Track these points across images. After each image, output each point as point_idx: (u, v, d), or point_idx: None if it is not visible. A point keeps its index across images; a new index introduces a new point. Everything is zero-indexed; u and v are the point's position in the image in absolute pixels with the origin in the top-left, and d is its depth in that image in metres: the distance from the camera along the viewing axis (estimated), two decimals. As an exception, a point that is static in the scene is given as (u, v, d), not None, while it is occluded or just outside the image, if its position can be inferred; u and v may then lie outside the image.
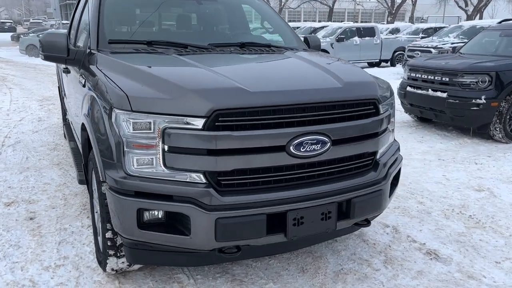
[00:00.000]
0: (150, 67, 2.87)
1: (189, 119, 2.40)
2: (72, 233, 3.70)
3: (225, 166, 2.44)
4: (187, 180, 2.45)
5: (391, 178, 3.01)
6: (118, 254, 2.85)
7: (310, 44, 4.46)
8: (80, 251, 3.40)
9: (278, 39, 4.36)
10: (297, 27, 24.17)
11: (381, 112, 2.90)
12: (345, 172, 2.79)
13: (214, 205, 2.44)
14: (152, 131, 2.42)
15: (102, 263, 2.98)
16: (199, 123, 2.39)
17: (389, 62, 19.41)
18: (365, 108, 2.80)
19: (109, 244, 2.81)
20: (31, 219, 3.98)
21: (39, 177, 5.07)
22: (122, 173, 2.49)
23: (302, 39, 4.42)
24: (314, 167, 2.66)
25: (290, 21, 42.46)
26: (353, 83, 2.87)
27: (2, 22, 47.87)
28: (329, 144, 2.61)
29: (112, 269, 2.95)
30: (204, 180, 2.45)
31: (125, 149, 2.46)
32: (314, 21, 51.00)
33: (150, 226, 2.53)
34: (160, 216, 2.57)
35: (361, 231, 3.79)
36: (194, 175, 2.45)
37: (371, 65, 19.48)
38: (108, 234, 2.77)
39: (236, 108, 2.43)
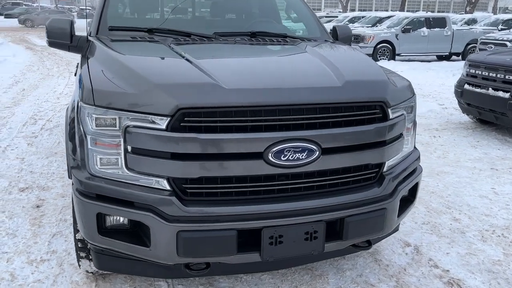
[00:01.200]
0: (129, 57, 2.62)
1: (154, 118, 2.13)
2: (70, 225, 3.59)
3: (191, 173, 2.15)
4: (151, 186, 2.19)
5: (400, 195, 2.56)
6: (90, 257, 2.66)
7: (339, 35, 4.03)
8: (70, 246, 3.27)
9: (302, 28, 3.97)
10: (362, 17, 23.13)
11: (391, 117, 2.46)
12: (339, 186, 2.39)
13: (176, 216, 2.16)
14: (116, 128, 2.18)
15: (78, 264, 2.82)
16: (163, 122, 2.11)
17: (460, 56, 18.01)
18: (368, 112, 2.38)
19: (79, 246, 2.63)
20: (37, 207, 3.95)
21: (62, 163, 5.07)
22: (86, 173, 2.27)
23: (332, 29, 4.00)
24: (299, 179, 2.29)
25: (359, 9, 40.96)
26: (356, 82, 2.45)
27: (82, 8, 50.52)
28: (317, 153, 2.23)
29: (87, 271, 2.78)
30: (167, 187, 2.18)
31: (89, 147, 2.24)
32: (387, 10, 48.89)
33: (111, 232, 2.31)
34: (125, 222, 2.34)
35: (376, 248, 3.35)
36: (157, 180, 2.18)
37: (440, 58, 18.20)
38: (78, 236, 2.59)
39: (205, 107, 2.12)
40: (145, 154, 2.16)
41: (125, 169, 2.20)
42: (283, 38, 3.42)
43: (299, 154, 2.20)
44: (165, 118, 2.10)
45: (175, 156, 2.13)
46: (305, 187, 2.32)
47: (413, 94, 2.77)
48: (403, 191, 2.61)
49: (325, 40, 3.67)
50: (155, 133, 2.11)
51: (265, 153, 2.16)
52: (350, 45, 4.04)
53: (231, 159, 2.15)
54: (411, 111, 2.73)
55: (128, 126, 2.15)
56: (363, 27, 19.90)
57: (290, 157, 2.19)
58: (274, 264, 2.55)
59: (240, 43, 3.18)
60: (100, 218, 2.27)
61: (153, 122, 2.13)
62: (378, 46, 17.10)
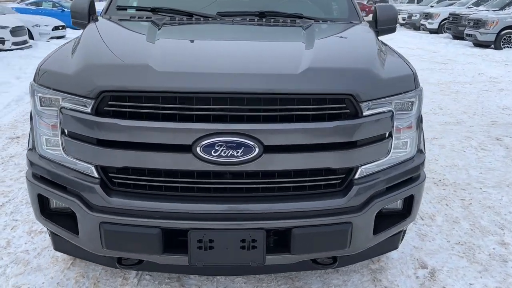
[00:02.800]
0: (94, 38, 2.52)
1: (83, 100, 2.01)
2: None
3: (114, 162, 2.00)
4: (83, 172, 2.09)
5: (376, 208, 2.12)
6: (56, 236, 2.67)
7: (379, 16, 3.49)
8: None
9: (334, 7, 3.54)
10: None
11: (365, 113, 2.03)
12: (289, 190, 2.05)
13: (100, 206, 2.03)
14: (55, 109, 2.12)
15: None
16: (88, 105, 1.99)
17: None
18: (330, 107, 1.98)
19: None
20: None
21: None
22: (36, 154, 2.26)
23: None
24: (237, 179, 2.01)
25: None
26: (319, 70, 2.05)
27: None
28: (257, 150, 1.92)
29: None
30: (96, 175, 2.06)
31: (36, 126, 2.22)
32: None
33: (54, 215, 2.27)
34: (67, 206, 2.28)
35: (383, 265, 2.88)
36: (88, 167, 2.07)
37: None
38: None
39: (129, 90, 1.94)
40: (76, 138, 2.06)
41: (63, 152, 2.12)
42: (295, 18, 3.05)
43: (233, 151, 1.91)
44: (90, 101, 1.97)
45: (100, 143, 1.99)
46: (246, 188, 2.02)
47: (416, 87, 2.26)
48: (383, 204, 2.16)
49: (350, 22, 3.21)
50: (81, 116, 2.00)
51: (194, 146, 1.91)
52: (394, 28, 3.53)
53: (156, 150, 1.95)
54: (411, 108, 2.24)
55: (62, 108, 2.06)
56: (488, 10, 17.73)
57: (222, 153, 1.91)
58: (217, 270, 2.31)
59: (237, 24, 2.90)
60: (41, 199, 2.24)
61: (84, 105, 2.01)
62: (502, 33, 15.13)
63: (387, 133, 2.16)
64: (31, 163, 2.25)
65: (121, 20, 2.97)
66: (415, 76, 2.28)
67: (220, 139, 1.90)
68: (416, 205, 2.35)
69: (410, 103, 2.23)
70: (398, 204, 2.36)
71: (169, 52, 2.17)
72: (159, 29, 2.58)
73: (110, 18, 3.09)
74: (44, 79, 2.15)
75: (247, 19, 2.97)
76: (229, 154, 1.91)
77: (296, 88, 1.95)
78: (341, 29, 2.98)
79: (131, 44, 2.34)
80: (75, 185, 2.07)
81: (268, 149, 1.94)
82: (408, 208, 2.34)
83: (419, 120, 2.33)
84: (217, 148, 1.90)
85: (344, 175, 2.08)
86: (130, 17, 3.05)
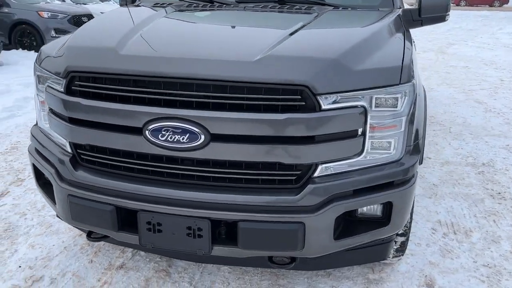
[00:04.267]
0: (100, 22, 2.66)
1: (59, 79, 2.15)
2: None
3: (78, 139, 2.11)
4: (61, 146, 2.24)
5: (336, 212, 1.95)
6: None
7: (423, 2, 3.15)
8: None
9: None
10: None
11: (324, 107, 1.86)
12: (240, 182, 1.97)
13: (68, 179, 2.16)
14: (44, 86, 2.30)
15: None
16: (62, 84, 2.12)
17: None
18: (283, 98, 1.86)
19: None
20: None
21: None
22: (38, 128, 2.48)
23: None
24: (189, 165, 1.98)
25: None
26: (277, 58, 1.92)
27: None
28: (203, 138, 1.88)
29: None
30: (69, 149, 2.20)
31: (37, 102, 2.44)
32: None
33: (46, 184, 2.47)
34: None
35: (383, 275, 2.64)
36: (64, 141, 2.22)
37: None
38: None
39: (92, 71, 2.02)
40: (55, 114, 2.21)
41: (49, 126, 2.30)
42: (314, 5, 2.89)
43: (179, 136, 1.89)
44: (63, 80, 2.10)
45: (70, 120, 2.12)
46: (193, 176, 2.00)
47: (403, 81, 2.00)
48: (346, 207, 1.97)
49: (378, 9, 2.94)
50: (56, 94, 2.14)
51: (144, 129, 1.94)
52: (444, 17, 3.18)
53: (112, 130, 2.01)
54: (395, 104, 2.00)
55: (47, 86, 2.23)
56: None
57: (169, 138, 1.91)
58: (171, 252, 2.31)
59: (247, 10, 2.82)
60: (36, 169, 2.45)
61: (59, 84, 2.15)
62: None
63: (359, 131, 1.95)
64: (32, 136, 2.47)
65: (154, 5, 3.04)
66: (403, 69, 2.02)
67: (166, 124, 1.89)
68: (397, 213, 2.10)
69: (393, 99, 1.99)
70: (376, 210, 2.14)
71: (144, 36, 2.21)
72: (166, 15, 2.64)
73: (140, 3, 3.23)
74: (40, 59, 2.34)
75: (264, 6, 2.88)
76: (175, 140, 1.90)
77: (247, 76, 1.85)
78: (352, 16, 2.75)
79: (119, 29, 2.42)
80: (53, 158, 2.24)
81: (216, 138, 1.89)
82: (388, 215, 2.10)
83: (412, 118, 2.08)
84: (163, 132, 1.90)
85: (300, 172, 1.94)
86: (155, 3, 3.15)
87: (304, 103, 1.85)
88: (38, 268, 2.73)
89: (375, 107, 1.99)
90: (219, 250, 2.02)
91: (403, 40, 2.41)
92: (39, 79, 2.34)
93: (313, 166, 1.94)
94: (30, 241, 3.00)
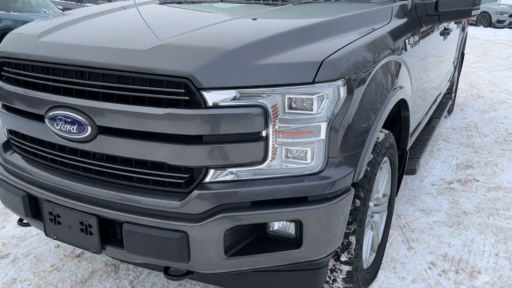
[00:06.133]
0: (76, 12, 2.69)
1: None
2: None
3: (5, 123, 2.15)
4: (4, 129, 2.31)
5: (226, 225, 1.71)
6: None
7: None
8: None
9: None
10: None
11: (211, 104, 1.64)
12: (130, 180, 1.82)
13: (0, 162, 2.22)
14: None
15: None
16: None
17: None
18: (168, 91, 1.67)
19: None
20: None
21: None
22: None
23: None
24: (84, 158, 1.89)
25: None
26: (166, 48, 1.74)
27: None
28: (90, 129, 1.78)
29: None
30: (6, 133, 2.26)
31: None
32: None
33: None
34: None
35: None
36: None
37: None
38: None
39: (12, 57, 2.04)
40: (-1, 98, 2.28)
41: None
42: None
43: (69, 126, 1.82)
44: None
45: (1, 105, 2.17)
46: (88, 169, 1.90)
47: (326, 80, 1.69)
48: (237, 221, 1.71)
49: (371, 1, 2.57)
50: (-5, 78, 2.20)
51: (45, 117, 1.90)
52: (470, 12, 2.71)
53: (23, 116, 2.01)
54: (310, 107, 1.69)
55: None
56: None
57: (62, 127, 1.84)
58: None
59: (223, 2, 2.65)
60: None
61: None
62: None
63: (261, 134, 1.69)
64: None
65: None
66: (323, 65, 1.69)
67: (59, 112, 1.83)
68: (311, 235, 1.77)
69: (307, 100, 1.69)
70: (289, 229, 1.84)
71: (70, 27, 2.17)
72: (122, 8, 2.60)
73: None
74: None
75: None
76: (67, 130, 1.82)
77: (133, 66, 1.70)
78: (324, 8, 2.42)
79: (60, 20, 2.39)
80: None
81: (103, 130, 1.77)
82: (300, 235, 1.79)
83: (336, 125, 1.74)
84: (58, 121, 1.84)
85: (188, 175, 1.73)
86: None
87: (187, 98, 1.65)
88: (9, 246, 2.86)
89: (289, 108, 1.71)
90: (110, 251, 1.90)
91: (366, 35, 2.06)
92: None
93: (203, 170, 1.72)
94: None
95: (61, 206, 1.93)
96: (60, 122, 1.83)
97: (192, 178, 1.74)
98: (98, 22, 2.27)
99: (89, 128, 1.77)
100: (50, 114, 1.85)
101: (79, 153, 1.90)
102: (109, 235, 1.90)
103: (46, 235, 2.04)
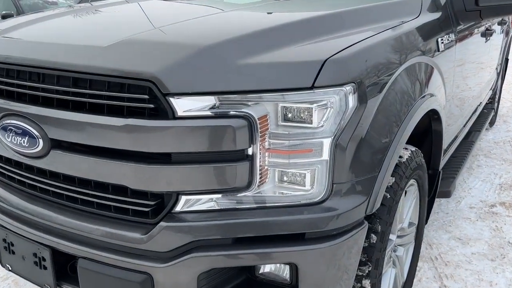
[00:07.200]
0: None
1: None
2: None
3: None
4: None
5: (196, 266, 1.35)
6: None
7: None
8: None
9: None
10: None
11: (181, 114, 1.29)
12: (90, 206, 1.49)
13: None
14: None
15: None
16: None
17: None
18: (130, 97, 1.34)
19: None
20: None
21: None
22: None
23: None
24: (44, 176, 1.58)
25: None
26: (130, 43, 1.42)
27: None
28: (41, 143, 1.47)
29: None
30: None
31: None
32: None
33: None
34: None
35: None
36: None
37: None
38: None
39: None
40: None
41: None
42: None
43: (20, 138, 1.51)
44: None
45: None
46: (45, 191, 1.58)
47: (330, 84, 1.31)
48: (214, 262, 1.35)
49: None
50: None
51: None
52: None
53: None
54: (309, 119, 1.32)
55: None
56: None
57: (14, 140, 1.54)
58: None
59: None
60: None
61: None
62: None
63: (246, 152, 1.32)
64: None
65: None
66: (326, 66, 1.31)
67: (10, 122, 1.52)
68: (308, 280, 1.39)
69: (305, 110, 1.32)
70: (283, 272, 1.46)
71: (39, 24, 1.88)
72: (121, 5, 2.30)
73: None
74: None
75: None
76: (18, 142, 1.52)
77: (89, 65, 1.38)
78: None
79: (33, 18, 2.13)
80: None
81: (56, 145, 1.46)
82: (296, 282, 1.41)
83: (343, 141, 1.36)
84: (9, 132, 1.54)
85: (155, 203, 1.39)
86: None
87: (152, 105, 1.31)
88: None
89: (284, 120, 1.34)
90: (66, 290, 1.58)
91: (386, 31, 1.67)
92: None
93: (173, 197, 1.37)
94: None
95: (14, 233, 1.63)
96: (11, 133, 1.53)
97: (161, 205, 1.39)
98: (67, 19, 1.98)
99: (41, 141, 1.46)
100: (3, 123, 1.55)
101: (35, 171, 1.60)
102: (67, 270, 1.58)
103: (2, 265, 1.74)
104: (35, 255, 1.58)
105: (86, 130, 1.38)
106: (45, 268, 1.56)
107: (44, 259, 1.55)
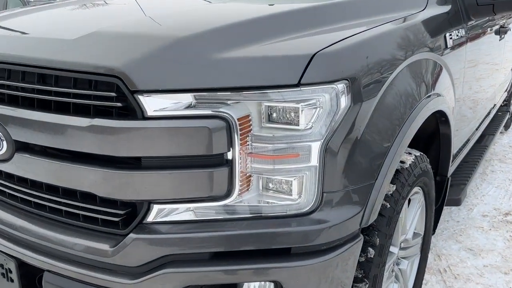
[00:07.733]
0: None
1: None
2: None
3: None
4: None
5: (169, 283, 1.21)
6: None
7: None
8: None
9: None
10: None
11: (152, 113, 1.16)
12: (58, 214, 1.37)
13: None
14: None
15: None
16: None
17: None
18: (97, 95, 1.21)
19: None
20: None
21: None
22: None
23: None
24: (12, 182, 1.46)
25: None
26: (98, 36, 1.30)
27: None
28: (5, 145, 1.35)
29: None
30: None
31: None
32: None
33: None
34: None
35: None
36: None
37: None
38: None
39: None
40: None
41: None
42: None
43: (-15, 140, 1.39)
44: None
45: None
46: (21, 198, 1.46)
47: (318, 81, 1.17)
48: (189, 279, 1.21)
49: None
50: None
51: (-33, 126, 1.49)
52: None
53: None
54: (296, 120, 1.18)
55: None
56: None
57: (-23, 142, 1.42)
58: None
59: None
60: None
61: None
62: None
63: (225, 157, 1.19)
64: None
65: None
66: (313, 60, 1.17)
67: (-26, 120, 1.41)
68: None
69: (290, 110, 1.17)
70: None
71: (18, 18, 1.77)
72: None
73: None
74: None
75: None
76: (-17, 144, 1.40)
77: (55, 60, 1.25)
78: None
79: (17, 12, 2.02)
80: None
81: (21, 147, 1.34)
82: (283, 301, 1.26)
83: (334, 145, 1.22)
84: (-28, 133, 1.42)
85: (125, 212, 1.25)
86: None
87: (120, 104, 1.17)
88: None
89: (268, 121, 1.20)
90: (34, 305, 1.45)
91: (386, 23, 1.52)
92: None
93: (145, 206, 1.24)
94: None
95: (-20, 241, 1.51)
96: (-25, 135, 1.41)
97: (134, 215, 1.26)
98: (41, 14, 1.86)
99: (4, 143, 1.34)
100: (-34, 124, 1.44)
101: (3, 175, 1.48)
102: (35, 283, 1.45)
103: (-29, 274, 1.62)
104: (1, 266, 1.46)
105: (51, 131, 1.26)
106: (11, 280, 1.44)
107: (10, 271, 1.43)
